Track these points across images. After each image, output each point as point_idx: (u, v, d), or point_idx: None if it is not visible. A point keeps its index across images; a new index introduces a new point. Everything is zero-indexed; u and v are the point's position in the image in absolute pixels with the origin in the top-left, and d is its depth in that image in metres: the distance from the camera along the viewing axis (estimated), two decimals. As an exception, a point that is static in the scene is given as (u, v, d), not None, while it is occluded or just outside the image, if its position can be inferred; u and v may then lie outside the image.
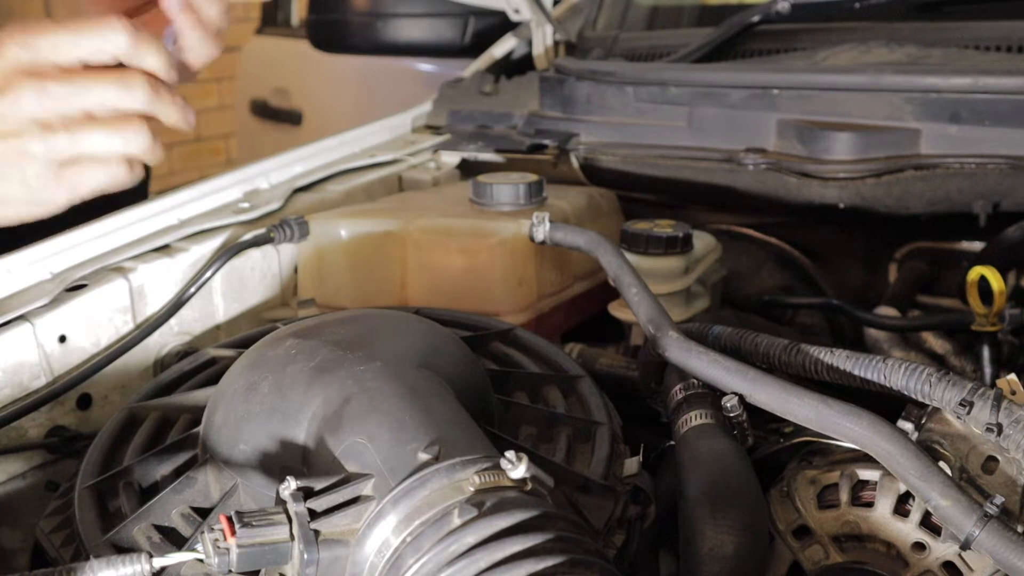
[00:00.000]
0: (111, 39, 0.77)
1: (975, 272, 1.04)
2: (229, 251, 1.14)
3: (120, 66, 0.80)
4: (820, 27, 1.58)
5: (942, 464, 0.72)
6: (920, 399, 0.77)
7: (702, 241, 1.20)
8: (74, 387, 0.99)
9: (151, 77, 0.80)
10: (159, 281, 1.11)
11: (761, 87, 1.33)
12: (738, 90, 1.34)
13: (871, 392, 0.81)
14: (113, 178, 0.81)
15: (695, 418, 0.82)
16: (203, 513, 0.74)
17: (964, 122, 1.20)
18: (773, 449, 0.84)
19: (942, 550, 0.74)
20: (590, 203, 1.29)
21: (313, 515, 0.63)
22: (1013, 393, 0.75)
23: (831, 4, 1.59)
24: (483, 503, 0.59)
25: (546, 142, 1.47)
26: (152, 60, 0.80)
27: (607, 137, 1.45)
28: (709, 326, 0.92)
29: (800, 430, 0.80)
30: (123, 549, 0.71)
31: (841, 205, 1.24)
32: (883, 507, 0.77)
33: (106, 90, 0.78)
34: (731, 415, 0.81)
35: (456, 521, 0.59)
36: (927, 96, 1.22)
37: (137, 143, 0.80)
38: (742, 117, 1.34)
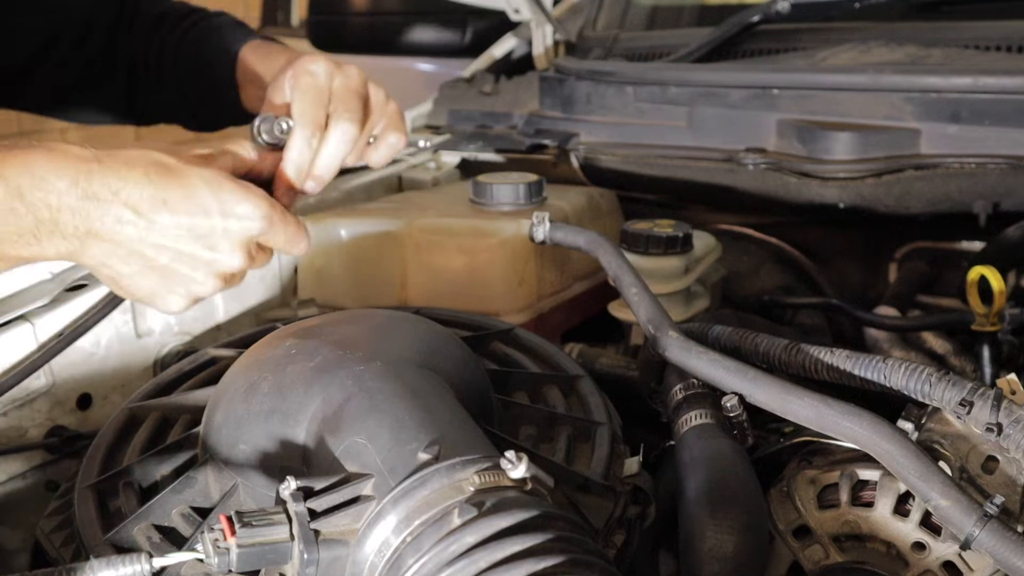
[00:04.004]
0: (250, 227, 0.83)
1: (975, 272, 1.04)
2: (229, 251, 1.14)
3: None
4: (820, 27, 1.58)
5: (942, 464, 0.72)
6: (920, 399, 0.77)
7: (702, 241, 1.20)
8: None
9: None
10: (159, 281, 1.10)
11: (761, 87, 1.32)
12: (738, 90, 1.34)
13: (871, 392, 0.81)
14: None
15: (695, 418, 0.82)
16: (203, 513, 0.74)
17: (964, 122, 1.20)
18: (773, 449, 0.84)
19: (942, 550, 0.74)
20: (590, 203, 1.29)
21: (313, 515, 0.63)
22: (1013, 393, 0.75)
23: (831, 4, 1.59)
24: (483, 503, 0.59)
25: (546, 142, 1.47)
26: (281, 239, 0.87)
27: (607, 137, 1.45)
28: (709, 326, 0.92)
29: (800, 430, 0.80)
30: (123, 549, 0.71)
31: (841, 205, 1.24)
32: (883, 507, 0.77)
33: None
34: (731, 415, 0.81)
35: (456, 521, 0.59)
36: (927, 96, 1.22)
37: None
38: (742, 117, 1.34)
